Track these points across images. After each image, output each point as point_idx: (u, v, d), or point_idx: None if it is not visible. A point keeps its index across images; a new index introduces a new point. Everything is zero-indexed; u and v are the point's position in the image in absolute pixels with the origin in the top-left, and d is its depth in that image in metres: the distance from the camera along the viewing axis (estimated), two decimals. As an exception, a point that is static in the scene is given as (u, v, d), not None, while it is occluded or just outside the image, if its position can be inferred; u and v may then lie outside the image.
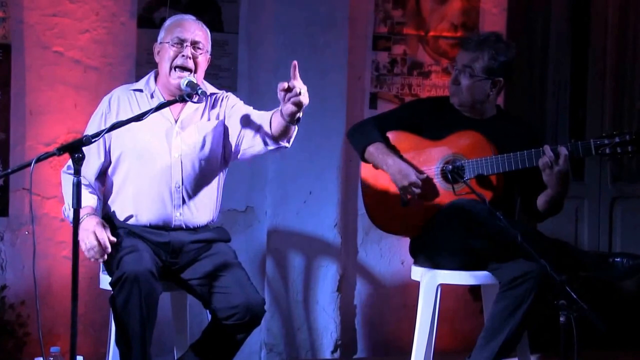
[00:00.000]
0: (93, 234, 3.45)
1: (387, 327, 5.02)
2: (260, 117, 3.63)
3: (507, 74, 3.95)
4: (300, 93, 3.28)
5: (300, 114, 3.39)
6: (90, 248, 3.45)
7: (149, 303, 3.34)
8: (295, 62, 3.29)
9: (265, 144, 3.60)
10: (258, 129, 3.61)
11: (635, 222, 5.66)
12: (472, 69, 3.92)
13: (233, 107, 3.74)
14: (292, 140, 3.58)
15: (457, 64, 3.99)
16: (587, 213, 5.67)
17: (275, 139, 3.57)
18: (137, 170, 3.60)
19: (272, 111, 3.53)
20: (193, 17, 3.77)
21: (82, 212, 3.49)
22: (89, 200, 3.60)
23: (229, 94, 3.82)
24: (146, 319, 3.34)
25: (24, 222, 4.46)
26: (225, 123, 3.72)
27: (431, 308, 3.87)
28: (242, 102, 3.79)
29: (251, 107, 3.75)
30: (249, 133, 3.65)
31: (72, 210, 3.18)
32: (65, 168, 3.71)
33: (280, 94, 3.32)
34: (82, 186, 3.49)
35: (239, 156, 3.72)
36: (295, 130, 3.52)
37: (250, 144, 3.66)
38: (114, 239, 3.48)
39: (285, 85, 3.29)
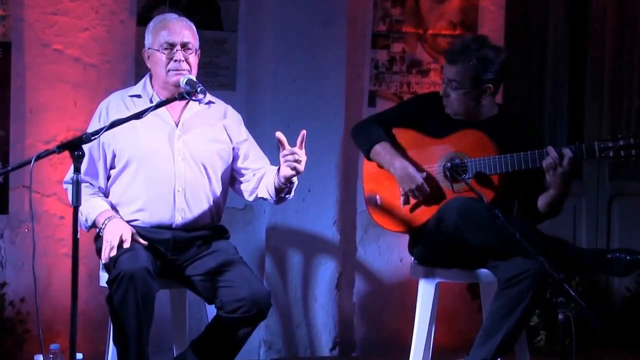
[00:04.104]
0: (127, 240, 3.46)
1: (386, 324, 5.02)
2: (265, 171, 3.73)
3: (499, 78, 3.88)
4: (298, 161, 3.42)
5: (294, 184, 3.58)
6: (114, 246, 3.44)
7: (146, 301, 3.34)
8: (305, 131, 3.42)
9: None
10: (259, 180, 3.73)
11: (633, 220, 5.67)
12: (458, 82, 3.85)
13: (245, 141, 3.78)
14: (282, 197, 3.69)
15: (444, 78, 3.92)
16: (585, 211, 5.67)
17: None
18: (141, 174, 3.59)
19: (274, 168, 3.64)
20: (176, 16, 3.72)
21: (105, 215, 3.53)
22: (105, 204, 3.60)
23: (237, 115, 3.83)
24: (143, 318, 3.35)
25: (23, 219, 4.46)
26: (238, 153, 3.76)
27: (430, 306, 3.88)
28: (253, 141, 3.83)
29: (262, 154, 3.83)
30: (251, 181, 3.76)
31: (89, 221, 3.46)
32: (67, 178, 3.67)
33: (281, 158, 3.45)
34: (94, 193, 3.62)
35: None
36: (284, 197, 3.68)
37: (246, 188, 3.77)
38: (145, 242, 3.52)
39: (283, 138, 3.42)
